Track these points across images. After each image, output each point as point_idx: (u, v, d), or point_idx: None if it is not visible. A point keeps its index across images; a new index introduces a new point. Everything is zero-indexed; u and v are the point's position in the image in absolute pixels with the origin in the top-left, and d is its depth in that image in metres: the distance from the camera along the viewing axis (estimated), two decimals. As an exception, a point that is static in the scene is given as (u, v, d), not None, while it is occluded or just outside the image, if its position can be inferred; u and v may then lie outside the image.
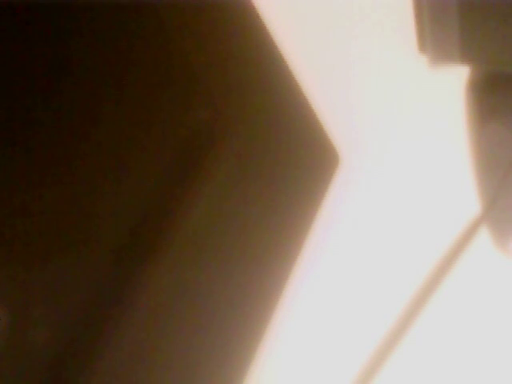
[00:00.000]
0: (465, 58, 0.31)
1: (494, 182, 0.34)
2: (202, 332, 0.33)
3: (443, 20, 0.30)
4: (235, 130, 0.34)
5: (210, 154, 0.32)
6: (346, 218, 0.42)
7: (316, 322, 0.42)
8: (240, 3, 0.34)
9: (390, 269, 0.41)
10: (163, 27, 0.30)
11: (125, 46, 0.29)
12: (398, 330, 0.31)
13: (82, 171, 0.27)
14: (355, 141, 0.40)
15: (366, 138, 0.40)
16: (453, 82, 0.35)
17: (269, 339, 0.37)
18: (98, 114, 0.28)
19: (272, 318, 0.37)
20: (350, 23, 0.37)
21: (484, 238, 0.35)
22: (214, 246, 0.33)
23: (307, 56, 0.38)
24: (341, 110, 0.40)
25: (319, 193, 0.40)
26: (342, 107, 0.40)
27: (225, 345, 0.34)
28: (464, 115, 0.35)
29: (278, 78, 0.37)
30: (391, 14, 0.36)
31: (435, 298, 0.31)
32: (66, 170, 0.27)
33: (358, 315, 0.41)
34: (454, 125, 0.35)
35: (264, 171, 0.36)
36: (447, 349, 0.41)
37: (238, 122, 0.34)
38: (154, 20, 0.30)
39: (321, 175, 0.40)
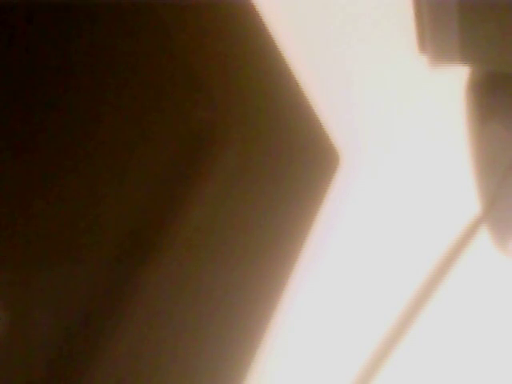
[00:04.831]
0: (465, 57, 0.31)
1: (494, 181, 0.34)
2: (203, 332, 0.33)
3: (443, 20, 0.30)
4: (236, 130, 0.34)
5: (210, 154, 0.32)
6: (347, 217, 0.42)
7: (316, 322, 0.42)
8: (240, 3, 0.34)
9: (390, 269, 0.41)
10: (163, 27, 0.30)
11: (125, 47, 0.29)
12: (398, 330, 0.31)
13: (82, 172, 0.28)
14: (355, 141, 0.40)
15: (366, 138, 0.40)
16: (453, 81, 0.35)
17: (269, 339, 0.37)
18: (97, 114, 0.28)
19: (272, 317, 0.37)
20: (350, 23, 0.37)
21: (484, 237, 0.35)
22: (214, 246, 0.33)
23: (307, 56, 0.38)
24: (341, 110, 0.40)
25: (319, 193, 0.40)
26: (342, 107, 0.40)
27: (225, 344, 0.34)
28: (464, 115, 0.35)
29: (279, 78, 0.37)
30: (391, 13, 0.36)
31: (435, 298, 0.31)
32: (67, 171, 0.27)
33: (358, 315, 0.41)
34: (454, 125, 0.35)
35: (264, 171, 0.36)
36: (447, 349, 0.41)
37: (239, 122, 0.34)
38: (154, 20, 0.30)
39: (321, 175, 0.40)
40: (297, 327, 0.41)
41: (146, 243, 0.30)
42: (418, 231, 0.41)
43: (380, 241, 0.41)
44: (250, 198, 0.35)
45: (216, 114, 0.33)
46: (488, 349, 0.40)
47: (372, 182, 0.41)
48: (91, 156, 0.28)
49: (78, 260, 0.28)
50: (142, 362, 0.30)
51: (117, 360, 0.29)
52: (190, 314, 0.32)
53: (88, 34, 0.27)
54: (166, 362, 0.31)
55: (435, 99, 0.38)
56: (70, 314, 0.27)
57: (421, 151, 0.40)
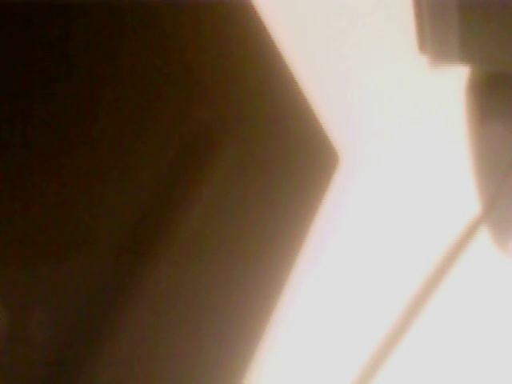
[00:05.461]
0: (465, 57, 0.31)
1: (494, 181, 0.34)
2: (202, 331, 0.33)
3: (443, 20, 0.30)
4: (234, 130, 0.34)
5: (209, 154, 0.32)
6: (346, 217, 0.42)
7: (316, 322, 0.42)
8: (240, 3, 0.34)
9: (390, 268, 0.41)
10: (162, 27, 0.30)
11: (122, 46, 0.29)
12: (398, 330, 0.31)
13: (81, 171, 0.27)
14: (355, 141, 0.40)
15: (365, 138, 0.40)
16: (453, 81, 0.35)
17: (268, 338, 0.37)
18: (96, 114, 0.28)
19: (272, 317, 0.37)
20: (349, 23, 0.37)
21: (484, 237, 0.35)
22: (213, 246, 0.33)
23: (306, 55, 0.38)
24: (340, 109, 0.40)
25: (318, 193, 0.40)
26: (341, 107, 0.40)
27: (224, 344, 0.34)
28: (464, 115, 0.35)
29: (278, 78, 0.37)
30: (391, 13, 0.36)
31: (435, 298, 0.32)
32: (66, 170, 0.27)
33: (358, 315, 0.41)
34: (454, 125, 0.35)
35: (263, 171, 0.36)
36: (447, 349, 0.41)
37: (238, 121, 0.34)
38: (153, 20, 0.30)
39: (320, 175, 0.40)
40: (296, 327, 0.41)
41: (145, 242, 0.30)
42: (417, 231, 0.41)
43: (379, 241, 0.41)
44: (248, 197, 0.35)
45: (214, 113, 0.33)
46: (488, 349, 0.40)
47: (371, 182, 0.41)
48: (90, 154, 0.28)
49: (78, 260, 0.28)
50: (142, 362, 0.30)
51: (117, 359, 0.29)
52: (189, 313, 0.32)
53: (87, 34, 0.27)
54: (165, 361, 0.31)
55: (435, 99, 0.38)
56: (70, 314, 0.27)
57: (420, 151, 0.40)
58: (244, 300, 0.35)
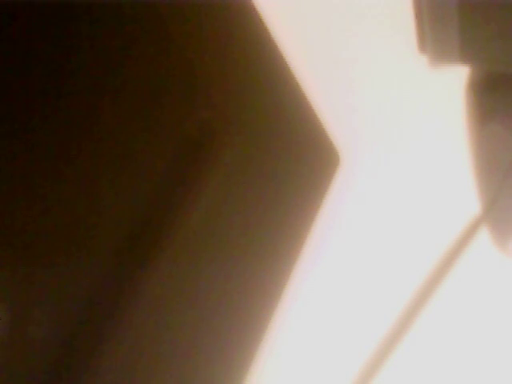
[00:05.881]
0: (465, 57, 0.31)
1: (494, 182, 0.34)
2: (203, 332, 0.33)
3: (443, 20, 0.30)
4: (235, 129, 0.34)
5: (210, 154, 0.32)
6: (347, 218, 0.42)
7: (316, 322, 0.42)
8: (240, 3, 0.34)
9: (390, 269, 0.41)
10: (164, 27, 0.30)
11: (125, 46, 0.29)
12: (398, 330, 0.31)
13: (81, 171, 0.27)
14: (355, 141, 0.40)
15: (366, 138, 0.40)
16: (453, 81, 0.35)
17: (269, 339, 0.37)
18: (97, 113, 0.28)
19: (272, 317, 0.37)
20: (350, 23, 0.37)
21: (484, 237, 0.35)
22: (214, 246, 0.33)
23: (307, 56, 0.38)
24: (341, 109, 0.40)
25: (319, 193, 0.40)
26: (342, 107, 0.40)
27: (225, 345, 0.34)
28: (464, 115, 0.35)
29: (279, 78, 0.37)
30: (391, 13, 0.36)
31: (435, 298, 0.31)
32: (67, 170, 0.27)
33: (358, 315, 0.41)
34: (454, 125, 0.35)
35: (264, 171, 0.36)
36: (447, 349, 0.41)
37: (239, 121, 0.34)
38: (154, 20, 0.30)
39: (321, 175, 0.40)
40: (297, 327, 0.41)
41: (145, 242, 0.30)
42: (417, 231, 0.40)
43: (380, 241, 0.41)
44: (249, 198, 0.35)
45: (215, 114, 0.33)
46: (488, 349, 0.40)
47: (372, 182, 0.41)
48: (91, 154, 0.28)
49: (78, 260, 0.28)
50: (142, 362, 0.30)
51: (117, 360, 0.29)
52: (189, 314, 0.32)
53: (88, 34, 0.27)
54: (165, 362, 0.31)
55: (435, 99, 0.38)
56: (71, 314, 0.27)
57: (421, 151, 0.40)
58: (245, 300, 0.35)
